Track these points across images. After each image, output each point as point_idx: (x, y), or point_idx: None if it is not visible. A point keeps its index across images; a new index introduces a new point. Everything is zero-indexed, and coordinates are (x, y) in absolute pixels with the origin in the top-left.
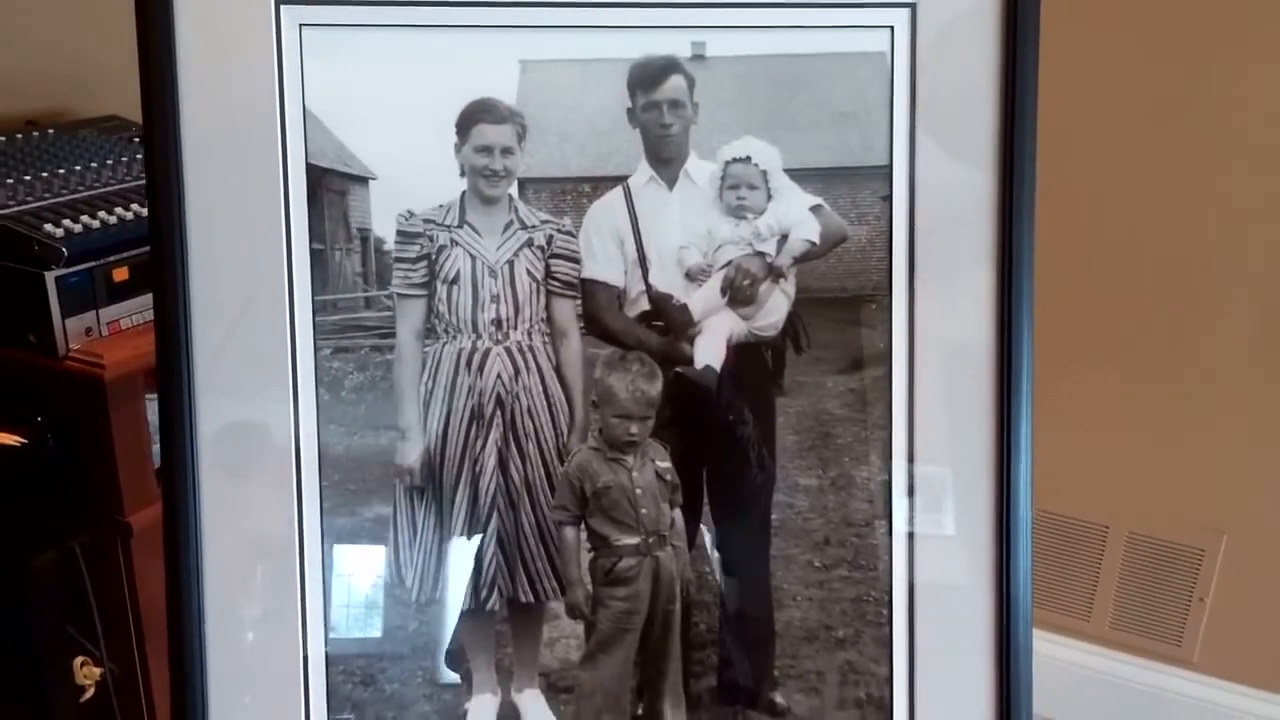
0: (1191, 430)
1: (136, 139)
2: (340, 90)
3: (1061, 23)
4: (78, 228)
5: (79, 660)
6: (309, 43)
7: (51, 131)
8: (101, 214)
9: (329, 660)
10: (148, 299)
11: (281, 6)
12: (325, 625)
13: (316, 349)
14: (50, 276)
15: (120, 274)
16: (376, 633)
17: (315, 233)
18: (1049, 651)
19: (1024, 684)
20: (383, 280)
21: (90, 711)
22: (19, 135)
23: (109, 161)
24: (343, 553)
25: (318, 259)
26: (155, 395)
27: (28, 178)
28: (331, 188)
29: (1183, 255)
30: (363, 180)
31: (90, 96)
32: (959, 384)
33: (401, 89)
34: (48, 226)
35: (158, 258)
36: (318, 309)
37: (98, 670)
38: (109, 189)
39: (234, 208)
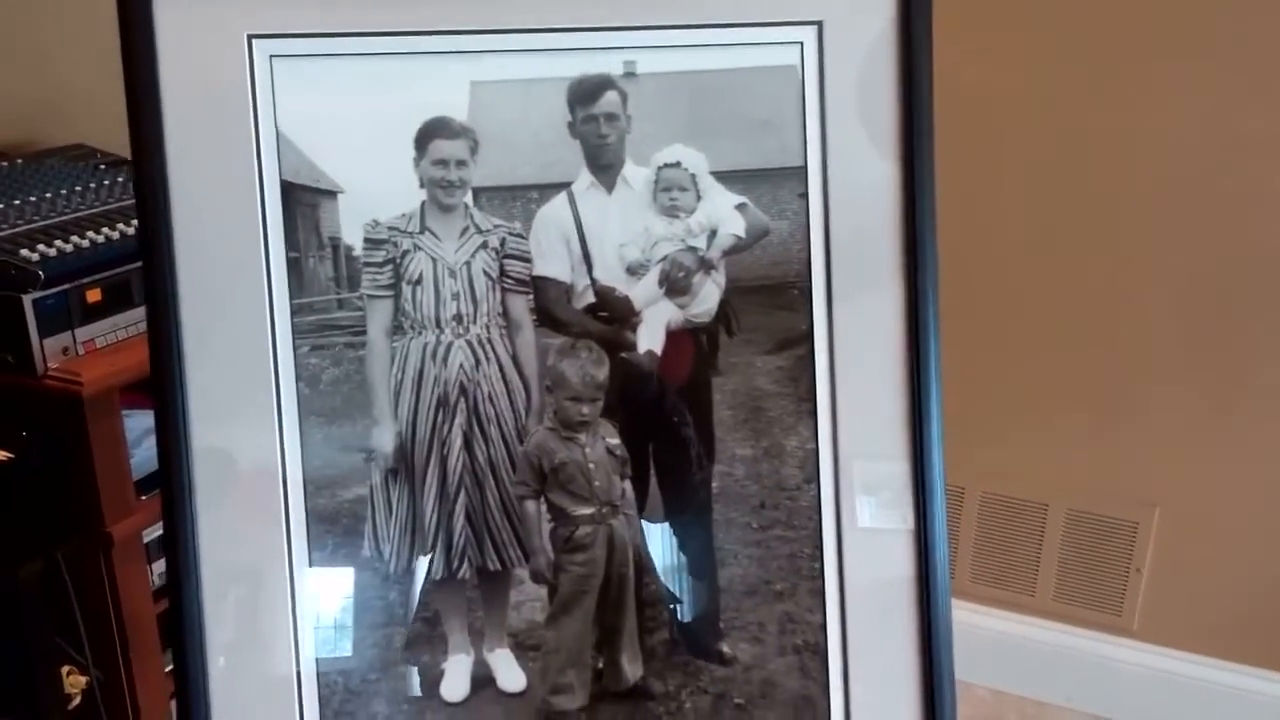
0: (1122, 413)
1: (103, 165)
2: (309, 114)
3: (960, 31)
4: (52, 252)
5: (66, 669)
6: (279, 72)
7: (20, 161)
8: (74, 238)
9: (318, 628)
10: (120, 318)
11: (254, 41)
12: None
13: (295, 347)
14: (27, 299)
15: (94, 295)
16: (356, 601)
17: (290, 242)
18: (997, 626)
19: (944, 624)
20: (353, 283)
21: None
22: None
23: (77, 188)
24: (325, 529)
25: (293, 266)
26: (130, 411)
27: (0, 206)
28: (304, 201)
29: (1110, 250)
30: (331, 194)
31: (56, 126)
32: (874, 358)
33: (364, 111)
34: (24, 251)
35: (149, 270)
36: (295, 311)
37: (84, 679)
38: (79, 214)
39: (216, 223)
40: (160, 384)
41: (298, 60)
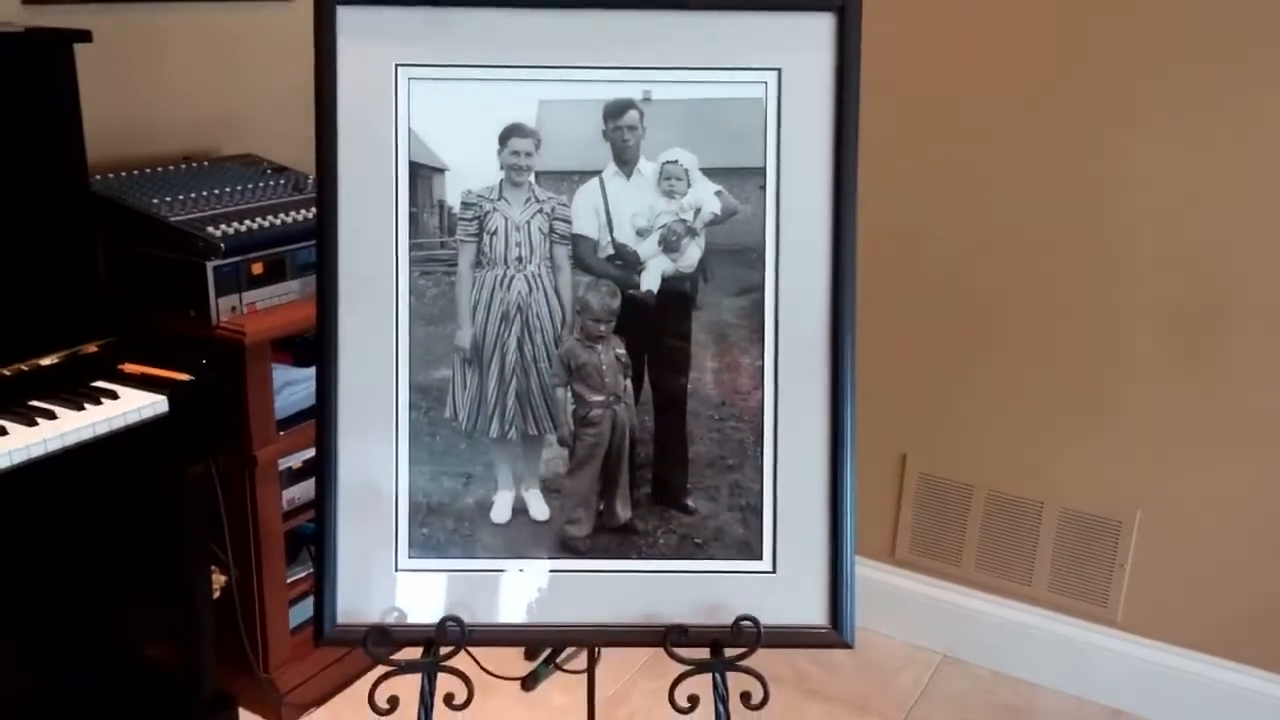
0: (1110, 421)
1: (269, 170)
2: (430, 116)
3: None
4: (230, 231)
5: (211, 567)
6: (413, 89)
7: (206, 163)
8: (247, 222)
9: (412, 462)
10: (276, 288)
11: (398, 68)
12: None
13: (410, 273)
14: (209, 266)
15: (257, 268)
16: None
17: (412, 201)
18: (997, 612)
19: (846, 492)
20: (451, 231)
21: (216, 610)
22: (181, 166)
23: (249, 186)
24: (421, 396)
25: (413, 218)
26: (275, 365)
27: (192, 195)
28: (422, 175)
29: (1099, 279)
30: (441, 170)
31: (231, 138)
32: (805, 303)
33: (466, 116)
34: (209, 229)
35: (322, 221)
36: (412, 248)
37: (223, 577)
38: (249, 205)
39: (367, 187)
40: (322, 290)
41: (425, 81)
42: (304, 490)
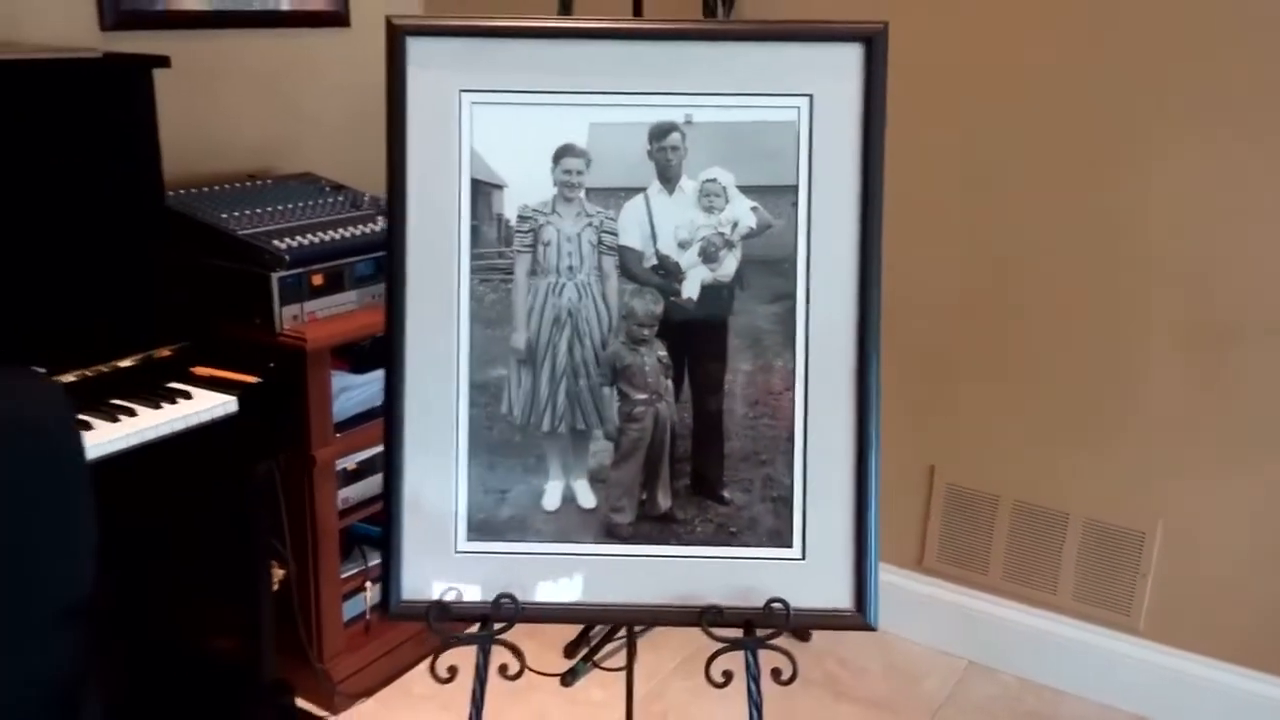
0: (1131, 434)
1: (327, 188)
2: (491, 137)
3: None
4: (294, 244)
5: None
6: (475, 113)
7: (269, 182)
8: (309, 236)
9: (471, 453)
10: (335, 299)
11: (462, 94)
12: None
13: (471, 280)
14: (274, 277)
15: (318, 279)
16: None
17: (474, 215)
18: (1023, 620)
19: (871, 488)
20: (508, 242)
21: (275, 602)
22: (244, 184)
23: (309, 203)
24: (479, 392)
25: (474, 230)
26: (334, 372)
27: (257, 211)
28: (483, 191)
29: (1115, 288)
30: (500, 186)
31: (288, 159)
32: (834, 310)
33: (523, 137)
34: (275, 242)
35: (392, 231)
36: (473, 257)
37: (281, 571)
38: (310, 221)
39: (432, 203)
40: (391, 292)
41: (486, 105)
42: (358, 490)
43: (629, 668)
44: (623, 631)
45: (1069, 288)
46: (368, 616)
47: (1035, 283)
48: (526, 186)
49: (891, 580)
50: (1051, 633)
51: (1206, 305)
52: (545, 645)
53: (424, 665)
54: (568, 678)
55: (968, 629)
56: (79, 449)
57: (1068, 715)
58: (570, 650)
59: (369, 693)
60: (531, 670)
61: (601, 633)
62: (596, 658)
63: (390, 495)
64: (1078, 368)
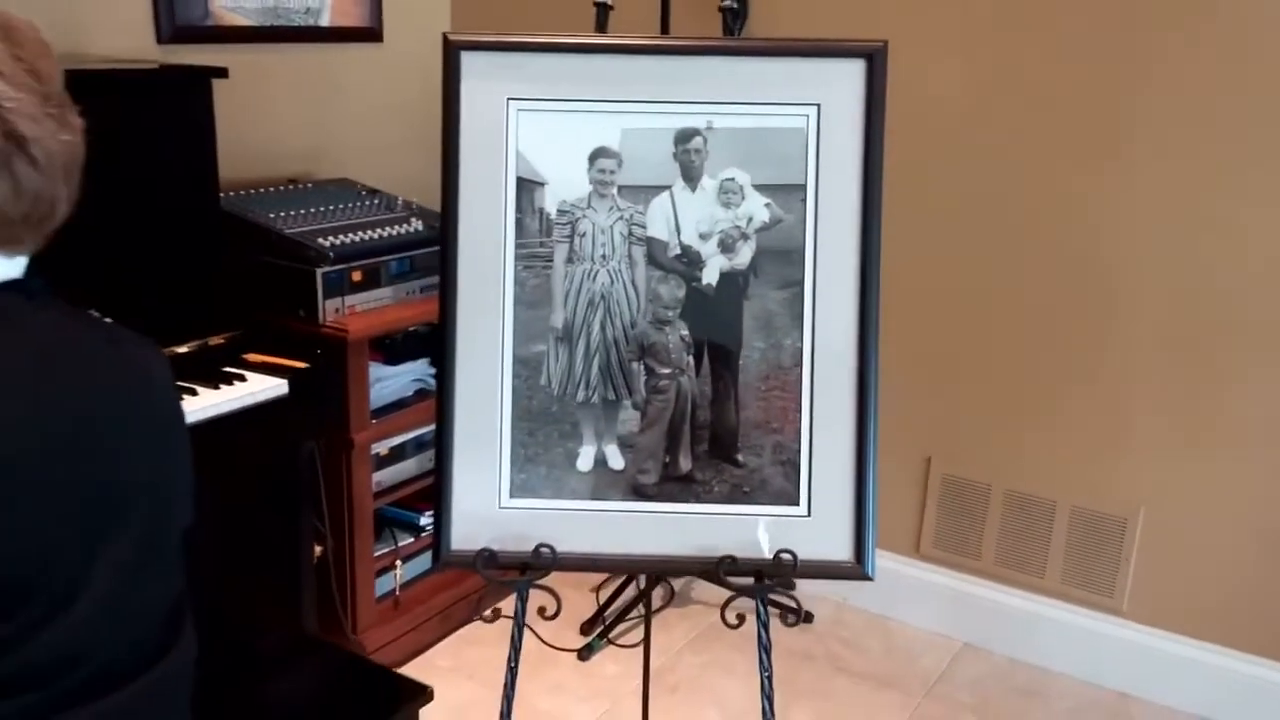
0: (1116, 426)
1: (364, 192)
2: (534, 140)
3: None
4: (337, 242)
5: None
6: (521, 118)
7: (309, 185)
8: (350, 235)
9: (514, 420)
10: (372, 293)
11: (510, 101)
12: (512, 404)
13: (515, 266)
14: (319, 272)
15: (357, 275)
16: (536, 411)
17: (518, 209)
18: (1013, 603)
19: (870, 454)
20: (548, 233)
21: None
22: (286, 187)
23: (347, 205)
24: (521, 366)
25: (519, 223)
26: (371, 361)
27: (301, 212)
28: (526, 188)
29: (1102, 288)
30: (541, 184)
31: (326, 164)
32: (838, 295)
33: (563, 140)
34: (319, 240)
35: (445, 222)
36: (517, 246)
37: (319, 548)
38: (349, 222)
39: (481, 201)
40: (444, 280)
41: (531, 112)
42: (390, 474)
43: (646, 640)
44: (636, 611)
45: (1057, 290)
46: (397, 594)
47: (1026, 283)
48: (565, 184)
49: (890, 566)
50: (1040, 614)
51: (1187, 305)
52: (562, 624)
53: (448, 640)
54: (584, 653)
55: (962, 611)
56: (180, 405)
57: (1055, 692)
58: (586, 628)
59: (397, 665)
60: (551, 646)
61: (616, 611)
62: (612, 634)
63: (441, 457)
64: (1065, 364)
